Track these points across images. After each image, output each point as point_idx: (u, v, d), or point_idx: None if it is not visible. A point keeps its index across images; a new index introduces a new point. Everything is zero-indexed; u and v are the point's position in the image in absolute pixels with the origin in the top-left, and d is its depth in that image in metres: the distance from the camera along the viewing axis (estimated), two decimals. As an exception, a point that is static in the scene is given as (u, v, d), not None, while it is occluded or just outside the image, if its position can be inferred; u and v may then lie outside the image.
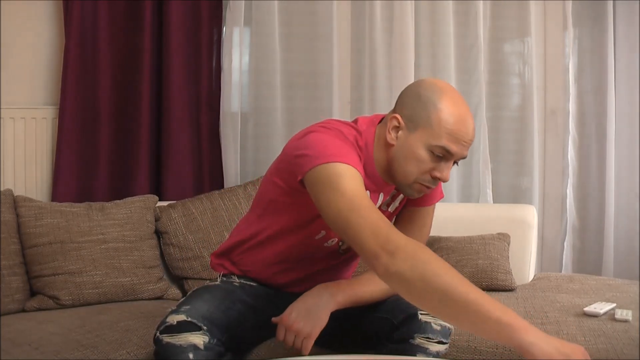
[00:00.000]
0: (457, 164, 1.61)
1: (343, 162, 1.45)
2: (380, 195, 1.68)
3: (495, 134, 3.04)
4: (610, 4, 2.89)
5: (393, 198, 1.73)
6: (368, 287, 1.65)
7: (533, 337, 1.22)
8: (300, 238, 1.68)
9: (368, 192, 1.64)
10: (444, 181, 1.57)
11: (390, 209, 1.74)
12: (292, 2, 3.00)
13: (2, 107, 2.68)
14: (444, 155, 1.53)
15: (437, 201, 1.78)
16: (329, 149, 1.48)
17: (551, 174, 3.07)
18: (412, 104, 1.55)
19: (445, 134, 1.51)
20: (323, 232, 1.67)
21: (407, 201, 1.75)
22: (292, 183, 1.55)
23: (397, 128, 1.56)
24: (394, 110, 1.59)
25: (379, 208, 1.70)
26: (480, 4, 2.93)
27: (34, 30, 2.82)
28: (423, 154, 1.53)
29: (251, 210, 1.78)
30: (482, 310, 1.24)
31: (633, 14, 2.88)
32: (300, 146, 1.53)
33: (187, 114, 2.91)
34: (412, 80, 2.91)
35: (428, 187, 1.58)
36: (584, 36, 3.03)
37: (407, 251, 1.31)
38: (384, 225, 1.37)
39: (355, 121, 1.65)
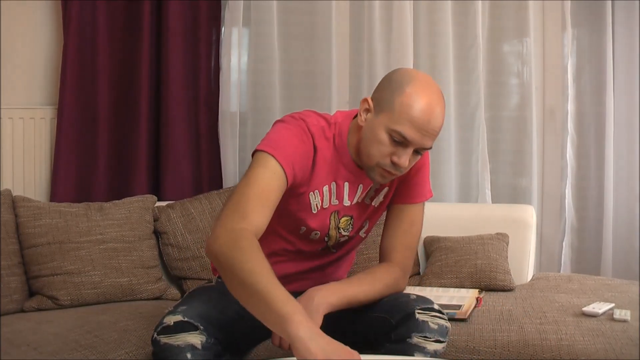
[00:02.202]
0: (420, 153, 1.59)
1: (272, 154, 1.53)
2: (359, 187, 1.70)
3: (494, 134, 3.04)
4: (608, 4, 2.89)
5: (376, 192, 1.73)
6: (361, 287, 1.64)
7: (304, 332, 1.25)
8: (285, 234, 1.71)
9: (347, 183, 1.67)
10: (402, 167, 1.56)
11: (374, 203, 1.75)
12: (290, 2, 3.00)
13: (1, 107, 2.68)
14: (402, 141, 1.54)
15: (423, 200, 1.76)
16: (272, 139, 1.57)
17: (550, 174, 3.07)
18: (383, 88, 1.59)
19: (405, 120, 1.52)
20: (303, 228, 1.69)
21: (393, 198, 1.75)
22: None
23: (367, 110, 1.60)
24: (371, 95, 1.64)
25: (362, 202, 1.72)
26: (479, 4, 2.93)
27: (32, 30, 2.82)
28: (383, 136, 1.55)
29: None
30: (267, 299, 1.30)
31: (632, 14, 2.88)
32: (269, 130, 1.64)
33: (186, 113, 2.91)
34: (411, 80, 2.92)
35: (390, 173, 1.59)
36: (582, 36, 3.03)
37: (230, 236, 1.40)
38: (241, 212, 1.45)
39: (334, 114, 1.71)
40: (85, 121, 2.81)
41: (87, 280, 2.30)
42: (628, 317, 2.01)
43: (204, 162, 2.96)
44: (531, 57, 2.97)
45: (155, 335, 1.51)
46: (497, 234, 2.60)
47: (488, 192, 2.97)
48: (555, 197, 3.06)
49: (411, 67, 2.91)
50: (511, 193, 3.05)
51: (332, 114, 1.71)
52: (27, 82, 2.82)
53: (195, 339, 1.48)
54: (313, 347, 1.24)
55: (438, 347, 1.61)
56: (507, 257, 2.53)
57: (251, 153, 1.58)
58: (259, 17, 2.96)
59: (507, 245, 2.58)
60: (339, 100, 2.98)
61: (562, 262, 3.06)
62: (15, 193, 2.44)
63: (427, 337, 1.59)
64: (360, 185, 1.70)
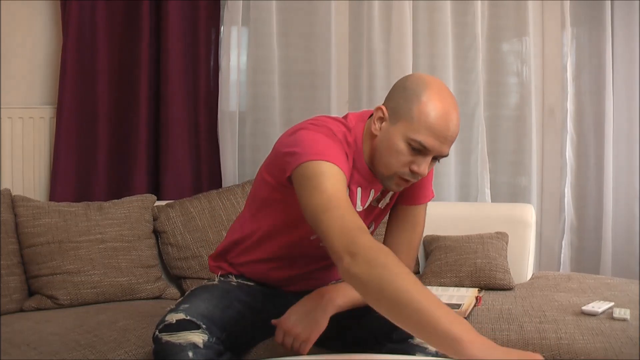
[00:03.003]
0: (439, 161, 1.59)
1: (328, 161, 1.46)
2: (371, 192, 1.69)
3: (494, 133, 3.04)
4: (608, 3, 2.89)
5: (383, 194, 1.73)
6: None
7: (478, 351, 1.19)
8: (294, 238, 1.68)
9: (359, 188, 1.65)
10: (422, 176, 1.55)
11: (381, 205, 1.74)
12: (290, 1, 2.99)
13: (0, 106, 2.68)
14: (421, 150, 1.52)
15: (427, 201, 1.76)
16: (316, 147, 1.49)
17: (549, 173, 3.07)
18: (397, 96, 1.56)
19: (424, 128, 1.50)
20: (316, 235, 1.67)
21: (397, 199, 1.75)
22: (281, 179, 1.56)
23: (381, 119, 1.58)
24: (384, 103, 1.61)
25: (370, 204, 1.71)
26: (479, 3, 2.94)
27: (31, 30, 2.82)
28: (401, 146, 1.53)
29: (245, 208, 1.79)
30: (431, 320, 1.22)
31: (631, 14, 2.88)
32: (290, 143, 1.55)
33: (185, 113, 2.91)
34: (410, 80, 2.92)
35: (407, 181, 1.58)
36: (582, 35, 3.03)
37: (368, 254, 1.31)
38: (354, 227, 1.37)
39: (346, 117, 1.66)
40: (84, 121, 2.80)
41: (86, 279, 2.30)
42: (627, 316, 2.01)
43: (203, 162, 2.96)
44: (530, 56, 2.97)
45: (156, 332, 1.51)
46: (497, 233, 2.60)
47: (487, 191, 2.97)
48: (554, 196, 3.07)
49: (410, 66, 2.92)
50: (511, 192, 3.05)
51: (343, 117, 1.68)
52: (26, 82, 2.82)
53: (197, 337, 1.48)
54: None
55: None
56: (506, 256, 2.53)
57: (287, 175, 1.51)
58: (258, 16, 2.96)
59: (507, 244, 2.58)
60: (338, 100, 2.98)
61: (562, 261, 3.06)
62: (14, 192, 2.44)
63: None
64: (372, 190, 1.68)
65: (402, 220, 1.74)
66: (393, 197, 1.74)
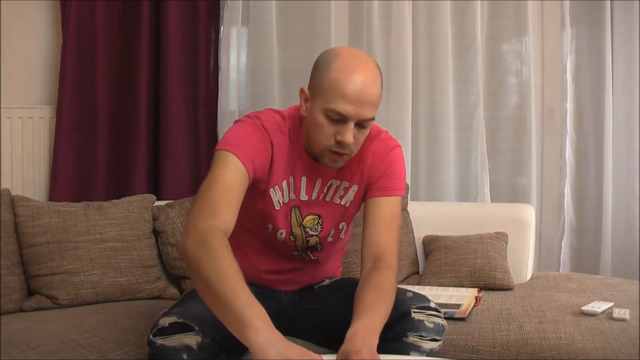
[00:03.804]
0: (365, 126, 1.57)
1: (231, 152, 1.54)
2: (317, 181, 1.69)
3: (493, 133, 3.04)
4: (607, 3, 2.89)
5: (345, 191, 1.72)
6: (385, 309, 1.52)
7: (262, 338, 1.24)
8: (263, 236, 1.73)
9: (304, 177, 1.67)
10: (347, 143, 1.55)
11: (344, 202, 1.74)
12: (289, 1, 3.00)
13: (0, 106, 2.68)
14: (340, 119, 1.53)
15: (396, 193, 1.71)
16: (230, 138, 1.58)
17: (549, 173, 3.07)
18: (313, 74, 1.61)
19: (335, 96, 1.51)
20: (270, 226, 1.70)
21: (367, 193, 1.72)
22: None
23: (306, 100, 1.61)
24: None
25: (331, 201, 1.70)
26: (478, 3, 2.94)
27: (31, 30, 2.82)
28: (321, 119, 1.55)
29: None
30: (228, 304, 1.28)
31: (631, 14, 2.88)
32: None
33: (185, 113, 2.91)
34: (410, 80, 2.93)
35: (339, 154, 1.58)
36: (581, 36, 3.03)
37: (200, 235, 1.39)
38: (209, 211, 1.45)
39: (289, 108, 1.72)
40: (84, 121, 2.80)
41: (86, 279, 2.30)
42: (627, 316, 2.01)
43: (203, 161, 2.96)
44: (530, 56, 2.97)
45: (150, 336, 1.51)
46: (496, 233, 2.60)
47: (487, 191, 2.97)
48: (554, 196, 3.07)
49: (410, 66, 2.92)
50: (510, 192, 3.05)
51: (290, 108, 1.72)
52: (26, 82, 2.82)
53: (191, 339, 1.48)
54: (272, 352, 1.22)
55: (434, 345, 1.61)
56: (506, 256, 2.53)
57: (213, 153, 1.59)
58: (257, 16, 2.96)
59: (506, 244, 2.58)
60: (338, 99, 2.98)
61: (561, 261, 3.06)
62: (14, 192, 2.43)
63: (423, 336, 1.59)
64: (319, 179, 1.69)
65: (377, 213, 1.68)
66: (358, 193, 1.73)
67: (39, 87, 2.85)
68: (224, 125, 2.95)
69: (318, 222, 1.73)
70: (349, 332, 1.41)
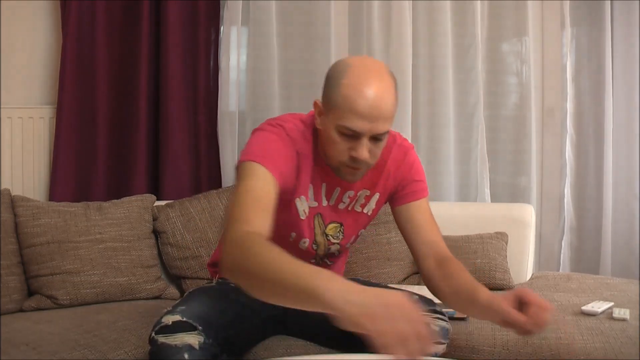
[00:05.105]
0: (380, 139, 1.53)
1: (259, 163, 1.49)
2: (336, 189, 1.67)
3: (493, 133, 3.04)
4: (607, 3, 2.89)
5: (367, 199, 1.71)
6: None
7: (333, 296, 1.10)
8: (277, 243, 1.68)
9: (324, 184, 1.64)
10: (361, 159, 1.52)
11: (366, 211, 1.73)
12: (289, 1, 2.99)
13: (0, 106, 2.68)
14: (353, 134, 1.50)
15: (426, 194, 1.72)
16: (255, 148, 1.53)
17: (549, 173, 3.07)
18: (325, 87, 1.55)
19: (348, 113, 1.47)
20: (294, 234, 1.67)
21: (395, 201, 1.72)
22: None
23: (320, 113, 1.57)
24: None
25: (352, 210, 1.69)
26: (478, 3, 2.93)
27: (31, 29, 2.82)
28: (334, 135, 1.51)
29: None
30: (292, 277, 1.17)
31: (631, 14, 2.88)
32: (246, 143, 1.60)
33: (185, 113, 2.91)
34: (410, 80, 2.92)
35: (355, 168, 1.56)
36: (581, 35, 3.03)
37: (235, 242, 1.32)
38: (243, 220, 1.38)
39: (310, 112, 1.66)
40: (84, 121, 2.80)
41: (86, 279, 2.30)
42: (627, 316, 2.01)
43: (203, 162, 2.96)
44: (530, 56, 2.97)
45: (153, 334, 1.51)
46: (496, 233, 2.60)
47: (487, 191, 2.97)
48: (554, 196, 3.07)
49: (410, 66, 2.92)
50: (510, 192, 3.05)
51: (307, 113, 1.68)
52: (26, 82, 2.82)
53: (193, 339, 1.48)
54: (353, 310, 1.08)
55: (439, 348, 1.61)
56: (506, 256, 2.53)
57: (234, 166, 1.55)
58: (257, 16, 2.96)
59: (506, 244, 2.58)
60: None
61: (561, 261, 3.06)
62: (14, 192, 2.44)
63: None
64: (338, 188, 1.67)
65: (419, 215, 1.69)
66: (379, 201, 1.73)
67: (39, 87, 2.85)
68: (224, 125, 2.95)
69: (340, 229, 1.72)
70: (487, 299, 1.41)
